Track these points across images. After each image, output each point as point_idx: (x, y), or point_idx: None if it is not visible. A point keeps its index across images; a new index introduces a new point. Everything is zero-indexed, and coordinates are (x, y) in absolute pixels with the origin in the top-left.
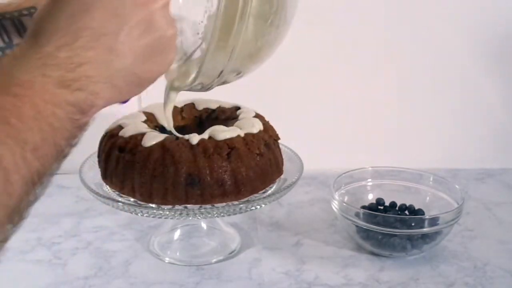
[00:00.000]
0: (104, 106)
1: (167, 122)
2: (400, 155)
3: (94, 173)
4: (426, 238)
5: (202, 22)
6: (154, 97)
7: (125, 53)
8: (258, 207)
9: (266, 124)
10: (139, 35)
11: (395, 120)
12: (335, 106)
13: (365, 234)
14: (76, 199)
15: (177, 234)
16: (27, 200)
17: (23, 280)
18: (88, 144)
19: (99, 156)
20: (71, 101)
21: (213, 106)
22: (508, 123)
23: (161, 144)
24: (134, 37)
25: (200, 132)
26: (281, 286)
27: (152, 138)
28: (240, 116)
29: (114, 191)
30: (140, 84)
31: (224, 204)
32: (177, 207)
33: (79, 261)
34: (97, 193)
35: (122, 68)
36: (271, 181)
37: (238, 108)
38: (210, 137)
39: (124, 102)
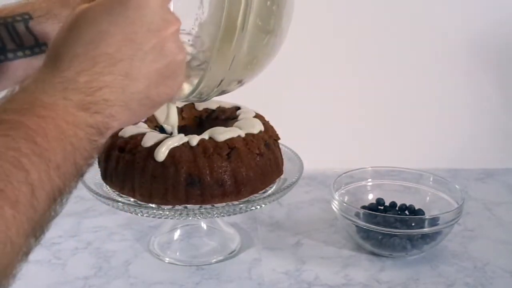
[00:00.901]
0: (118, 128)
1: (173, 131)
2: (400, 155)
3: (94, 173)
4: (426, 238)
5: (193, 29)
6: None
7: (140, 78)
8: (258, 207)
9: (266, 124)
10: (152, 60)
11: (395, 120)
12: (335, 106)
13: (365, 234)
14: (76, 199)
15: (177, 234)
16: (49, 215)
17: (23, 280)
18: None
19: (99, 156)
20: (90, 123)
21: (213, 106)
22: (508, 123)
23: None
24: (148, 62)
25: (200, 132)
26: (281, 286)
27: (152, 138)
28: (240, 116)
29: (114, 191)
30: (153, 106)
31: (224, 204)
32: (177, 207)
33: (79, 261)
34: (97, 193)
35: (137, 91)
36: (271, 181)
37: (238, 108)
38: (210, 138)
39: (135, 123)
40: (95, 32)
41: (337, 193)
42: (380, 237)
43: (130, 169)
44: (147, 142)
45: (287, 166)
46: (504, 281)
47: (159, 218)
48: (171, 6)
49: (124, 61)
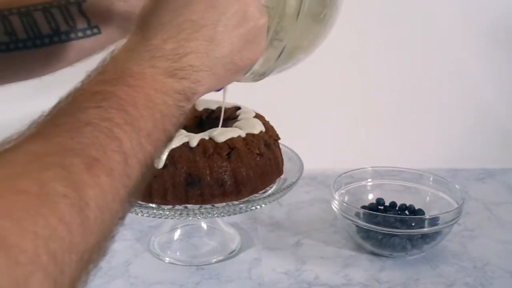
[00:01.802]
0: (204, 93)
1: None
2: (400, 155)
3: None
4: (426, 238)
5: None
6: None
7: (223, 43)
8: (258, 207)
9: (266, 124)
10: (235, 25)
11: (395, 120)
12: (335, 106)
13: (365, 234)
14: None
15: (177, 234)
16: (141, 180)
17: None
18: None
19: None
20: (177, 89)
21: (213, 106)
22: (508, 123)
23: None
24: (231, 27)
25: (200, 132)
26: (281, 286)
27: None
28: (240, 117)
29: None
30: (237, 71)
31: (224, 204)
32: (177, 207)
33: None
34: None
35: (221, 56)
36: (271, 181)
37: (238, 108)
38: (210, 138)
39: (219, 90)
40: (179, 1)
41: (337, 193)
42: (380, 237)
43: None
44: None
45: (287, 166)
46: (504, 281)
47: (159, 218)
48: None
49: (207, 26)
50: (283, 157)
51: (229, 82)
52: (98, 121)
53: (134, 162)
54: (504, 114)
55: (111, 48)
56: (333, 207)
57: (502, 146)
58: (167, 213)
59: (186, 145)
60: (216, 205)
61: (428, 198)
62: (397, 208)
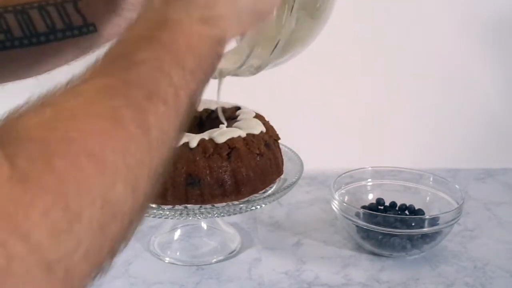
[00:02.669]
0: (230, 40)
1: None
2: (400, 155)
3: None
4: (426, 238)
5: None
6: None
7: None
8: (258, 207)
9: (266, 124)
10: None
11: (395, 120)
12: (335, 106)
13: (365, 234)
14: None
15: (177, 234)
16: (187, 114)
17: None
18: None
19: None
20: (210, 35)
21: (213, 106)
22: (508, 123)
23: None
24: None
25: (200, 132)
26: (281, 286)
27: None
28: (240, 117)
29: None
30: (259, 18)
31: (224, 204)
32: (177, 207)
33: None
34: None
35: (245, 6)
36: (271, 181)
37: (238, 108)
38: (210, 138)
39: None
40: None
41: (337, 193)
42: (380, 237)
43: None
44: None
45: (287, 166)
46: (504, 281)
47: (159, 218)
48: None
49: None
50: (283, 157)
51: (251, 28)
52: (149, 60)
53: (183, 95)
54: (504, 114)
55: (108, 46)
56: (333, 207)
57: (502, 146)
58: (167, 213)
59: (186, 145)
60: (216, 205)
61: (428, 198)
62: (397, 208)
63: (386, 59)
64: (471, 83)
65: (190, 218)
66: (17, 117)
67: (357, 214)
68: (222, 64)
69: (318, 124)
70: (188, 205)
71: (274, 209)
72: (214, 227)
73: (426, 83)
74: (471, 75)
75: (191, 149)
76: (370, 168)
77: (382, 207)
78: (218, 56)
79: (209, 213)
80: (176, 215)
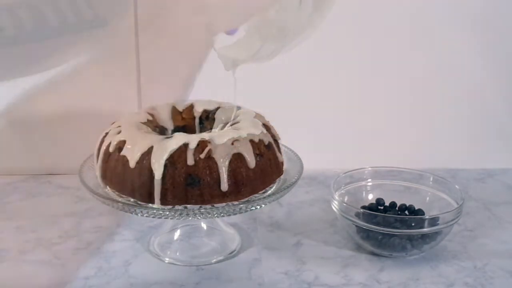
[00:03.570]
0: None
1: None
2: (400, 155)
3: (94, 173)
4: (426, 238)
5: None
6: (154, 98)
7: None
8: (258, 207)
9: (266, 124)
10: None
11: (395, 120)
12: (335, 106)
13: (365, 234)
14: (76, 199)
15: (177, 234)
16: None
17: (23, 281)
18: (88, 144)
19: (98, 157)
20: None
21: (213, 106)
22: (508, 123)
23: None
24: None
25: (200, 132)
26: (281, 286)
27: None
28: (240, 117)
29: (113, 192)
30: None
31: (224, 204)
32: (177, 207)
33: (79, 261)
34: (97, 193)
35: None
36: (271, 181)
37: (238, 108)
38: (210, 138)
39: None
40: None
41: (337, 193)
42: (380, 237)
43: (129, 169)
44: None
45: (287, 166)
46: (504, 281)
47: (159, 218)
48: None
49: None
50: (283, 157)
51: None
52: None
53: None
54: (504, 114)
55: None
56: (333, 207)
57: (502, 146)
58: (167, 213)
59: (186, 145)
60: (216, 205)
61: (428, 198)
62: (397, 208)
63: (386, 60)
64: (471, 83)
65: (190, 218)
66: None
67: (357, 214)
68: (235, 54)
69: (318, 124)
70: (188, 205)
71: (274, 209)
72: (214, 227)
73: (426, 84)
74: (471, 75)
75: (191, 149)
76: (370, 168)
77: (382, 207)
78: None
79: (209, 213)
80: (176, 215)
